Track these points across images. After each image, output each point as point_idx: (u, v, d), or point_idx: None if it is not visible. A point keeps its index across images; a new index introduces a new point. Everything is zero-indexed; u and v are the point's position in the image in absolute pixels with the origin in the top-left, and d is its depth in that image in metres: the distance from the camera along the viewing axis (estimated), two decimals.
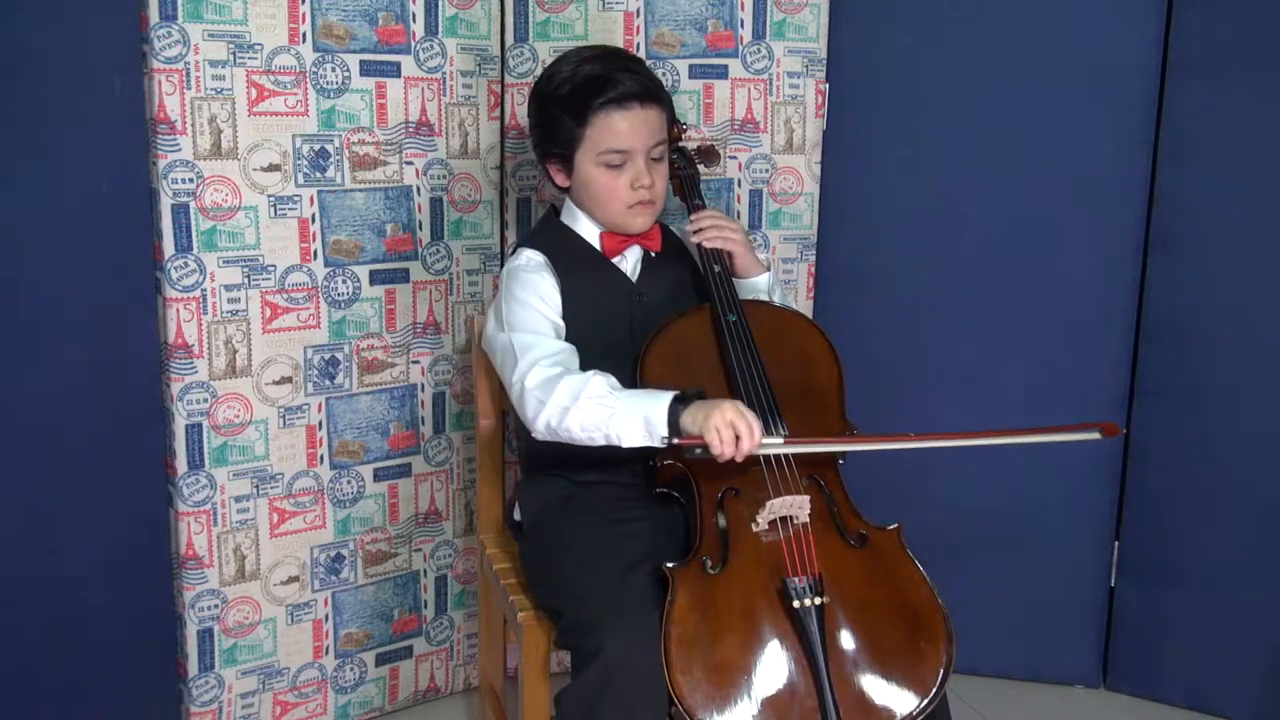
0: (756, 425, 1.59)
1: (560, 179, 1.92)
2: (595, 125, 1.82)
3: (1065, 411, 2.41)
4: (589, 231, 1.92)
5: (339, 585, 2.25)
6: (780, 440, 1.66)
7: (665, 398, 1.65)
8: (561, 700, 1.62)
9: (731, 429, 1.58)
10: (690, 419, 1.62)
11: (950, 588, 1.67)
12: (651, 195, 1.87)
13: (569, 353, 1.78)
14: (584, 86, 1.82)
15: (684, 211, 2.02)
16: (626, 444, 1.67)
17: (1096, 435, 1.69)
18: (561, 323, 1.84)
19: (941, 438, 1.76)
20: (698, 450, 1.61)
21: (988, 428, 2.38)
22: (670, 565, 1.60)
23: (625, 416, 1.65)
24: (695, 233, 1.92)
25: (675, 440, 1.62)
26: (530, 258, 1.89)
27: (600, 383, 1.69)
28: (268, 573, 2.16)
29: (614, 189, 1.86)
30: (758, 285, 1.99)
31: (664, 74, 2.25)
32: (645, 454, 1.80)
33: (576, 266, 1.89)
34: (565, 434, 1.70)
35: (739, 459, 1.60)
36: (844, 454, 1.81)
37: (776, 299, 1.99)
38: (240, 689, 2.17)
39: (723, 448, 1.58)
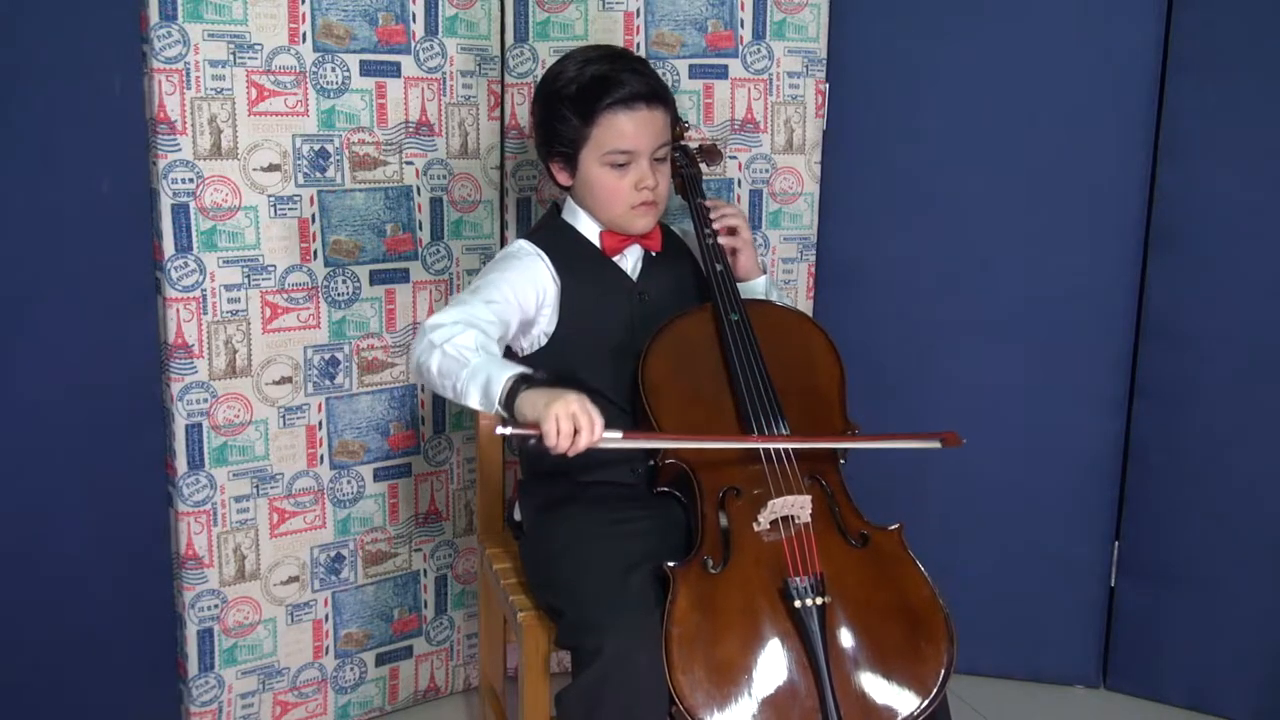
0: (598, 421, 1.51)
1: (563, 178, 1.91)
2: (601, 125, 1.82)
3: (1065, 411, 2.41)
4: (590, 230, 1.92)
5: (339, 585, 2.25)
6: (620, 435, 1.57)
7: (512, 370, 1.57)
8: (562, 700, 1.62)
9: (572, 421, 1.49)
10: (529, 403, 1.53)
11: (950, 588, 1.67)
12: (654, 196, 1.87)
13: (489, 325, 1.71)
14: (591, 86, 1.82)
15: (685, 210, 2.02)
16: (469, 403, 1.60)
17: (937, 444, 1.68)
18: (521, 312, 1.81)
19: (792, 440, 1.73)
20: (530, 441, 1.52)
21: (988, 428, 2.42)
22: (671, 565, 1.60)
23: (473, 375, 1.59)
24: (712, 210, 1.94)
25: (508, 430, 1.53)
26: (523, 247, 1.89)
27: (473, 337, 1.64)
28: (268, 573, 2.16)
29: (618, 189, 1.85)
30: (755, 288, 2.00)
31: (664, 74, 2.25)
32: (645, 453, 1.80)
33: (577, 265, 1.89)
34: (425, 374, 1.65)
35: (571, 454, 1.51)
36: (844, 453, 1.81)
37: (779, 301, 2.00)
38: (240, 689, 2.17)
39: (558, 440, 1.49)
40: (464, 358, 1.61)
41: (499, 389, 1.56)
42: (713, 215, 1.94)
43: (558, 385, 1.55)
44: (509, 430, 1.53)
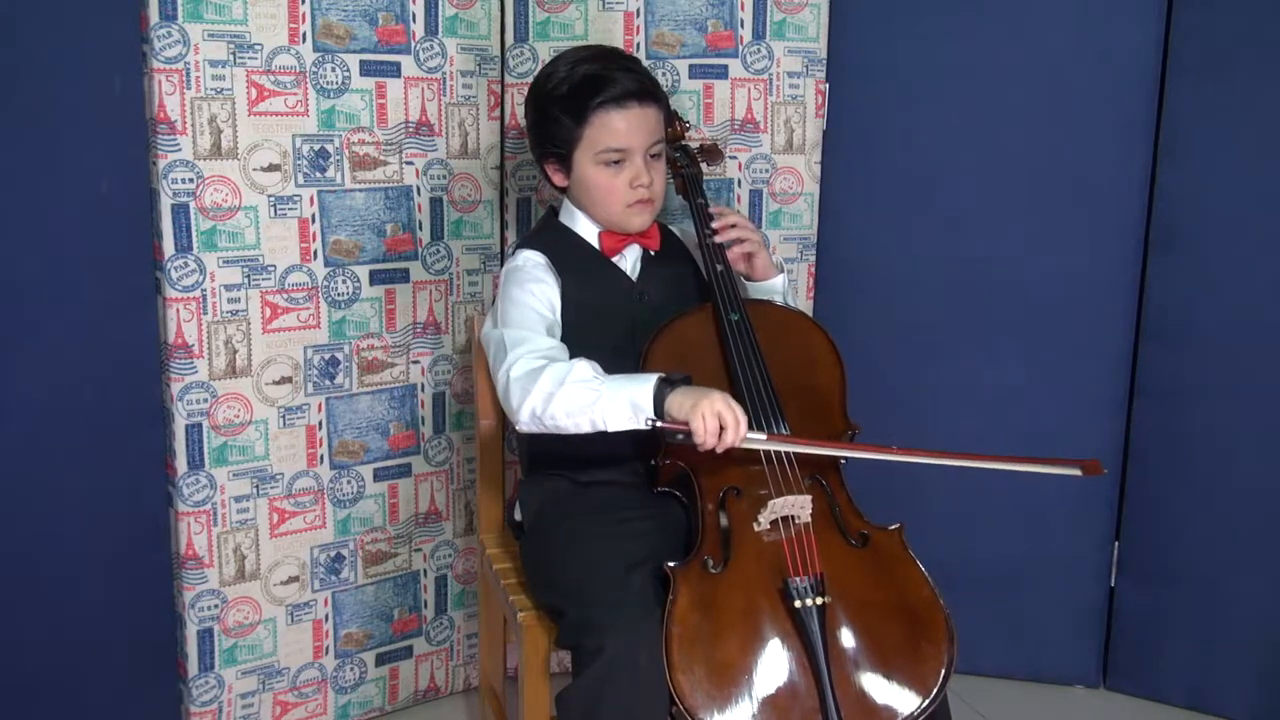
0: (743, 418, 1.58)
1: (558, 179, 1.92)
2: (593, 125, 1.82)
3: (1065, 411, 2.41)
4: (588, 231, 1.92)
5: (339, 585, 2.25)
6: (764, 436, 1.64)
7: (651, 379, 1.62)
8: (562, 700, 1.62)
9: (718, 419, 1.56)
10: (677, 403, 1.59)
11: (951, 588, 1.67)
12: (650, 194, 1.87)
13: (559, 349, 1.77)
14: (582, 86, 1.82)
15: (686, 210, 2.02)
16: (612, 427, 1.64)
17: (1078, 472, 1.70)
18: (557, 322, 1.83)
19: (928, 455, 1.72)
20: (679, 436, 1.57)
21: (987, 427, 2.43)
22: (671, 565, 1.60)
23: (611, 399, 1.62)
24: (717, 233, 1.92)
25: (658, 424, 1.59)
26: (529, 258, 1.89)
27: (585, 367, 1.67)
28: (268, 573, 2.16)
29: (612, 188, 1.86)
30: (773, 287, 1.99)
31: (664, 74, 2.25)
32: (645, 453, 1.80)
33: (576, 266, 1.89)
34: (550, 421, 1.67)
35: (719, 450, 1.57)
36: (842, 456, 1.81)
37: (789, 300, 2.00)
38: (240, 689, 2.16)
39: (706, 436, 1.55)
40: (589, 389, 1.64)
41: (647, 402, 1.60)
42: (716, 226, 1.92)
43: (696, 386, 1.61)
44: (658, 425, 1.58)
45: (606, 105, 1.81)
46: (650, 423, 1.60)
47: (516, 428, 1.73)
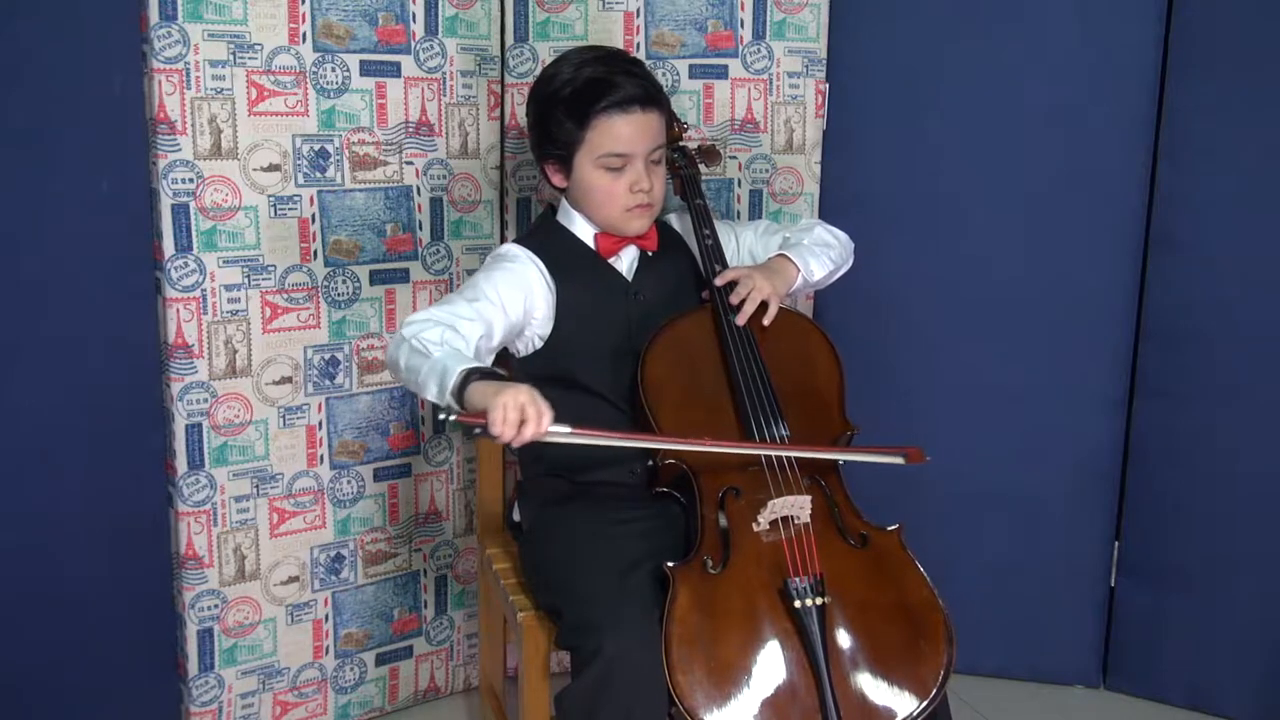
0: (547, 413, 1.49)
1: (558, 180, 1.91)
2: (596, 128, 1.82)
3: (1065, 411, 2.41)
4: (584, 231, 1.92)
5: (339, 585, 2.25)
6: (568, 429, 1.55)
7: (467, 363, 1.56)
8: (561, 700, 1.62)
9: (520, 411, 1.47)
10: (479, 392, 1.52)
11: (950, 588, 1.67)
12: (649, 199, 1.86)
13: (467, 321, 1.70)
14: (585, 89, 1.81)
15: (685, 210, 2.01)
16: (427, 396, 1.59)
17: (901, 460, 1.68)
18: (505, 314, 1.79)
19: (747, 445, 1.71)
20: (477, 430, 1.49)
21: (988, 428, 2.42)
22: (671, 565, 1.60)
23: (433, 368, 1.58)
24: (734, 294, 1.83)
25: (452, 416, 1.51)
26: (512, 250, 1.88)
27: (439, 332, 1.64)
28: (268, 573, 2.16)
29: (612, 192, 1.85)
30: (797, 290, 1.95)
31: (664, 74, 2.25)
32: (644, 453, 1.80)
33: (571, 267, 1.88)
34: (395, 369, 1.66)
35: (516, 444, 1.50)
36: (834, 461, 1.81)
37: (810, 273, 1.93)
38: (240, 689, 2.17)
39: (503, 428, 1.47)
40: (427, 350, 1.60)
41: (452, 380, 1.54)
42: (738, 321, 1.82)
43: (512, 381, 1.53)
44: (454, 417, 1.51)
45: (609, 110, 1.81)
46: (448, 412, 1.52)
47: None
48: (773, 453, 1.72)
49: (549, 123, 1.85)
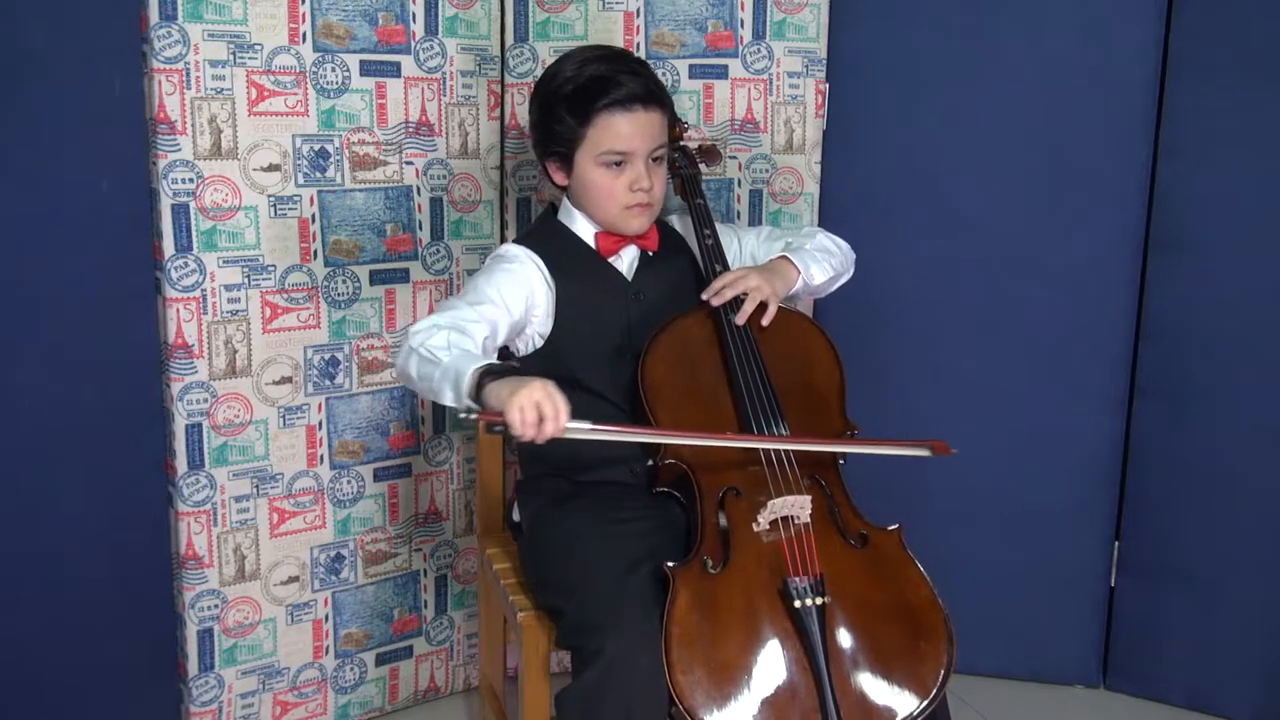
0: (564, 408, 1.50)
1: (559, 178, 1.91)
2: (597, 126, 1.82)
3: (1065, 411, 2.41)
4: (585, 231, 1.92)
5: (339, 585, 2.25)
6: (589, 425, 1.55)
7: (479, 363, 1.56)
8: (562, 700, 1.62)
9: (536, 409, 1.48)
10: (495, 392, 1.51)
11: (950, 588, 1.67)
12: (650, 198, 1.86)
13: (472, 323, 1.71)
14: (588, 87, 1.82)
15: (686, 211, 2.01)
16: (444, 401, 1.59)
17: (927, 453, 1.67)
18: (508, 314, 1.79)
19: (766, 440, 1.71)
20: (497, 427, 1.49)
21: (988, 428, 2.42)
22: (671, 565, 1.60)
23: (446, 373, 1.58)
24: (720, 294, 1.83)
25: (473, 415, 1.52)
26: (512, 250, 1.88)
27: (444, 337, 1.64)
28: (268, 573, 2.16)
29: (612, 190, 1.85)
30: (798, 292, 1.95)
31: (664, 74, 2.25)
32: (645, 452, 1.80)
33: (572, 266, 1.88)
34: (407, 380, 1.66)
35: (539, 441, 1.50)
36: (844, 454, 1.81)
37: (813, 270, 1.92)
38: (240, 689, 2.17)
39: (523, 428, 1.48)
40: (436, 358, 1.60)
41: (466, 383, 1.54)
42: (712, 300, 1.82)
43: (527, 376, 1.53)
44: (475, 415, 1.51)
45: (611, 108, 1.81)
46: (468, 412, 1.53)
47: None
48: (792, 446, 1.71)
49: (551, 119, 1.85)
